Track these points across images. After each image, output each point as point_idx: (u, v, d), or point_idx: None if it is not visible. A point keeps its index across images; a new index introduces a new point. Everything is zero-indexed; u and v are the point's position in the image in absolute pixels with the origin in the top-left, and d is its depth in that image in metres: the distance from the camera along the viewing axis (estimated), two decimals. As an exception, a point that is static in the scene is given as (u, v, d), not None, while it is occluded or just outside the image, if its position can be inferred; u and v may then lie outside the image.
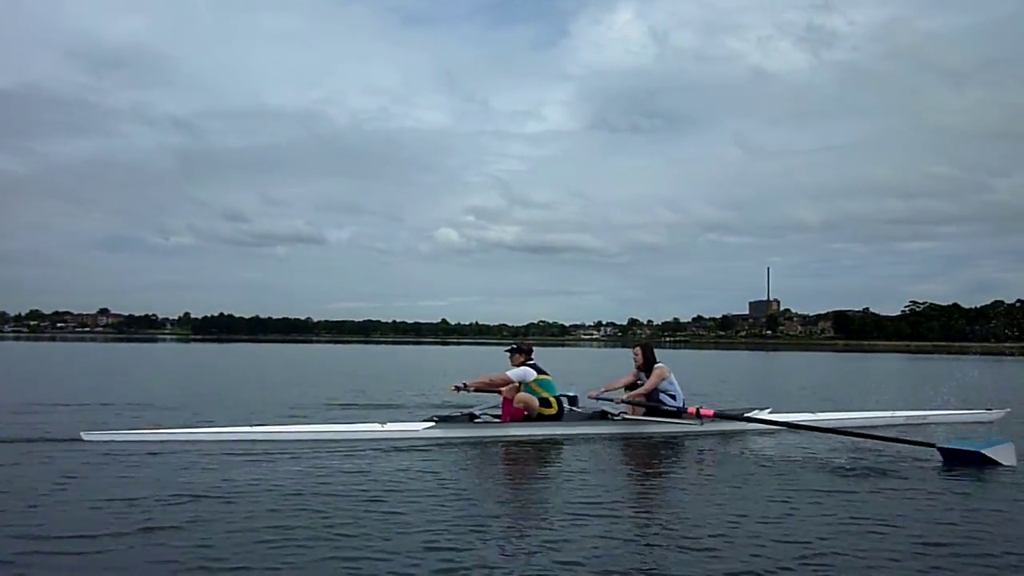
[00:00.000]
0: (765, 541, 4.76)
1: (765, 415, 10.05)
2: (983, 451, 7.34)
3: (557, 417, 9.36)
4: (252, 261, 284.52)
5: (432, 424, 8.99)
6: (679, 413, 9.46)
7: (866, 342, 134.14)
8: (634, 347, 10.36)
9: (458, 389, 9.39)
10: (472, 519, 5.21)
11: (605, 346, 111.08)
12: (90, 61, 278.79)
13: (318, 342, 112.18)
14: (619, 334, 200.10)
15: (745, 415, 9.71)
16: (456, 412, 9.58)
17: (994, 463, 7.27)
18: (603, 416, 9.72)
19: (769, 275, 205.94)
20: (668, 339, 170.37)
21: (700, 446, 8.81)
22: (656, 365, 9.86)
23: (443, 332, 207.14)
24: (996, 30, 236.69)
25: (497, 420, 9.26)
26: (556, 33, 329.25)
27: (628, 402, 9.66)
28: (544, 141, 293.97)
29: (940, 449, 7.62)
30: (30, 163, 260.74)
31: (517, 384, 9.33)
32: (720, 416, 9.40)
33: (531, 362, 9.54)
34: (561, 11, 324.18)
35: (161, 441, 8.27)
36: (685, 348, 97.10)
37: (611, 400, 9.92)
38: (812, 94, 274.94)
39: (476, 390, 9.55)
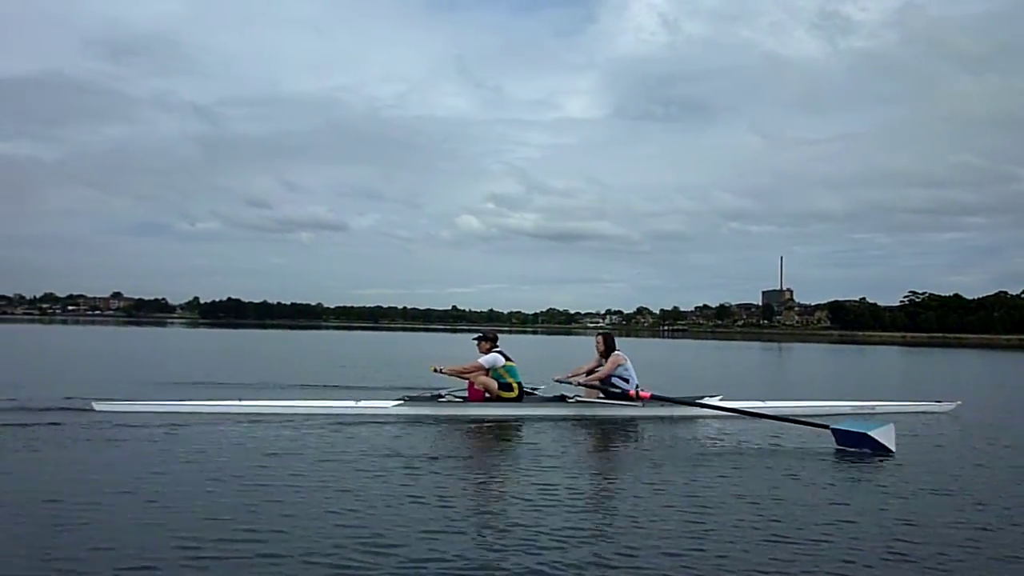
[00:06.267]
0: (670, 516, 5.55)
1: (715, 402, 11.10)
2: (868, 432, 8.25)
3: (517, 400, 10.46)
4: (277, 247, 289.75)
5: (401, 403, 10.19)
6: (623, 395, 10.56)
7: (861, 333, 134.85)
8: (596, 336, 11.48)
9: (436, 371, 10.55)
10: (421, 489, 5.96)
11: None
12: (110, 48, 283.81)
13: (327, 328, 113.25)
14: (624, 322, 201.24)
15: (673, 398, 10.63)
16: (425, 393, 10.77)
17: (878, 444, 8.23)
18: (560, 399, 10.74)
19: (783, 265, 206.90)
20: (667, 328, 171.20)
21: (638, 426, 9.86)
22: (614, 352, 10.99)
23: (453, 319, 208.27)
24: (1010, 17, 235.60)
25: (461, 400, 10.41)
26: (581, 19, 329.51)
27: (585, 385, 10.72)
28: (561, 129, 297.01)
29: (833, 430, 8.61)
30: (57, 149, 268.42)
31: (487, 369, 10.46)
32: (656, 399, 10.43)
33: (497, 349, 10.66)
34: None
35: (162, 412, 9.51)
36: (683, 337, 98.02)
37: (571, 383, 10.91)
38: (828, 81, 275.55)
39: (450, 374, 10.63)
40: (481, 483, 6.46)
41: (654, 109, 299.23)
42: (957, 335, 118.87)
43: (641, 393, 10.30)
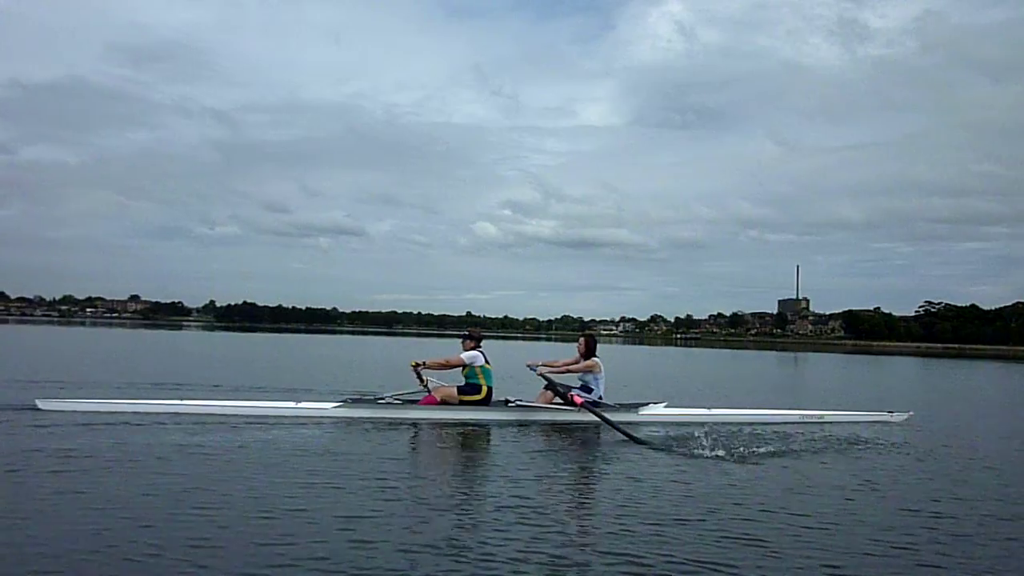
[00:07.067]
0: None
1: (660, 409, 11.22)
2: None
3: (483, 402, 10.65)
4: (295, 252, 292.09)
5: (340, 404, 10.37)
6: (564, 396, 10.61)
7: (875, 343, 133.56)
8: (579, 338, 11.64)
9: (417, 365, 10.67)
10: (335, 488, 6.19)
11: (624, 342, 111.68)
12: (133, 54, 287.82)
13: (341, 333, 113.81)
14: (637, 330, 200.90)
15: (594, 409, 10.32)
16: (368, 396, 10.93)
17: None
18: (503, 403, 10.85)
19: (799, 274, 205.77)
20: (680, 336, 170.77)
21: (571, 430, 10.00)
22: (593, 357, 11.11)
23: (467, 325, 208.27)
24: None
25: (399, 403, 10.59)
26: (599, 27, 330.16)
27: (544, 376, 10.84)
28: (578, 136, 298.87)
29: None
30: (82, 154, 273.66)
31: (467, 364, 10.68)
32: (585, 406, 10.38)
33: (480, 349, 10.91)
34: (607, 4, 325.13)
35: (104, 412, 9.71)
36: (696, 346, 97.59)
37: (535, 370, 11.04)
38: (847, 89, 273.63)
39: (433, 367, 10.77)
40: (388, 484, 6.48)
41: (671, 117, 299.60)
42: (973, 346, 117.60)
43: (575, 398, 10.39)
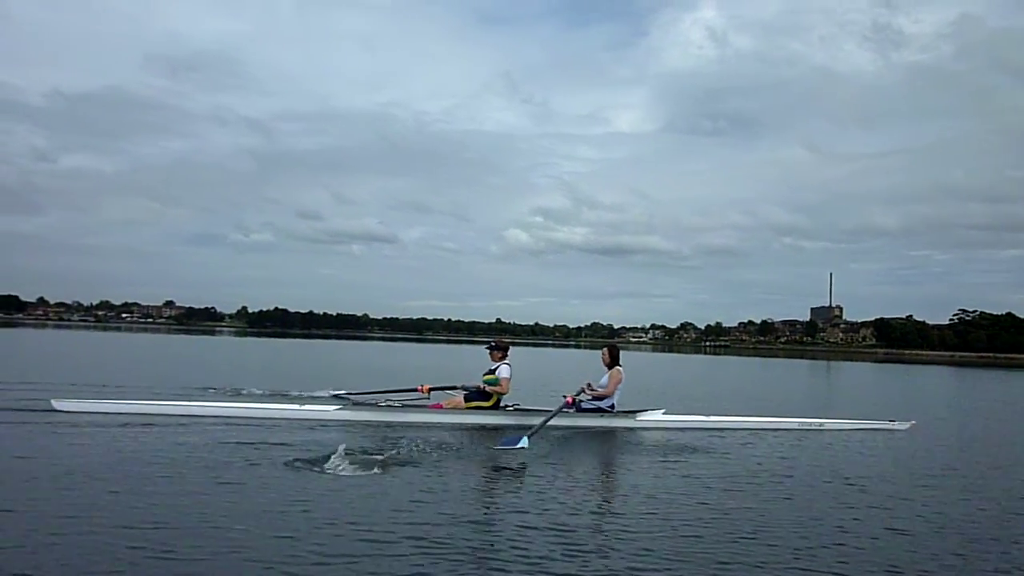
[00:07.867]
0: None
1: (658, 415, 11.33)
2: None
3: (492, 409, 10.96)
4: (327, 258, 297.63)
5: (340, 407, 10.70)
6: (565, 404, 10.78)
7: (907, 351, 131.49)
8: (603, 347, 11.84)
9: (491, 387, 11.02)
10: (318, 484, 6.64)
11: (654, 350, 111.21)
12: (169, 64, 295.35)
13: (371, 339, 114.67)
14: (667, 337, 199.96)
15: (566, 408, 10.52)
16: (369, 400, 11.26)
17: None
18: (502, 408, 11.06)
19: (832, 281, 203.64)
20: (709, 344, 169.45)
21: (562, 434, 10.19)
22: (616, 367, 11.28)
23: (497, 332, 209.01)
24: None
25: (398, 405, 10.91)
26: (631, 34, 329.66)
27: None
28: (609, 143, 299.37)
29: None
30: (119, 162, 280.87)
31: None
32: (580, 410, 10.71)
33: (507, 361, 11.22)
34: (639, 11, 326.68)
35: (116, 412, 10.14)
36: (726, 353, 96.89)
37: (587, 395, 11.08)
38: (881, 95, 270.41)
39: (503, 392, 11.10)
40: (379, 488, 6.63)
41: (704, 123, 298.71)
42: (1008, 355, 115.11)
43: (568, 399, 10.58)
